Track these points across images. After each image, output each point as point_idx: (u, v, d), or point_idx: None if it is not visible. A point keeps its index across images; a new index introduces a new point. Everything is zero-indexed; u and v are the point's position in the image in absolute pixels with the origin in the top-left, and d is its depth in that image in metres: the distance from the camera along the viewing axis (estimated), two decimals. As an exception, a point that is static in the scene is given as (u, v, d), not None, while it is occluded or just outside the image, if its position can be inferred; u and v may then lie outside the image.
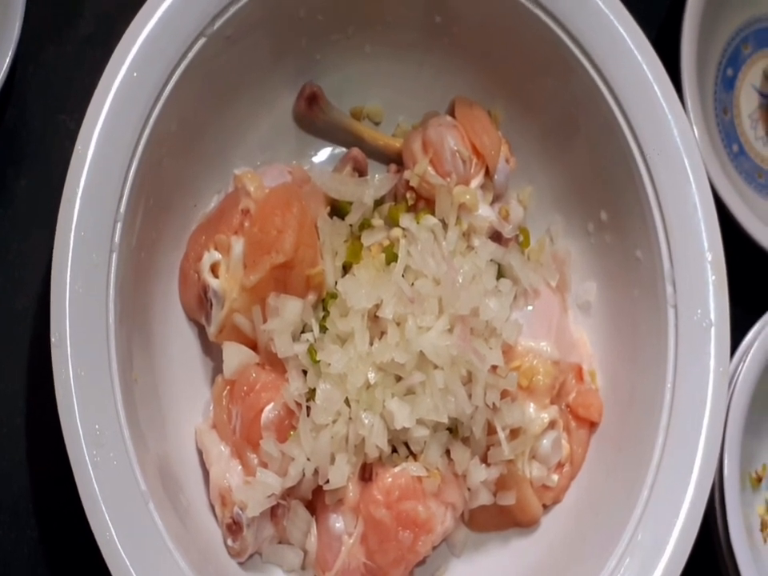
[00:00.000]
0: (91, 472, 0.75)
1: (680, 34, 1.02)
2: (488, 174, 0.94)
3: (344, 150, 0.99)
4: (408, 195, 0.93)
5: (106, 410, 0.77)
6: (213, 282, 0.87)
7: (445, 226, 0.91)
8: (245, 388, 0.86)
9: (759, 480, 1.10)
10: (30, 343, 0.95)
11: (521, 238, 0.98)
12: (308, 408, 0.84)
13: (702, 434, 0.84)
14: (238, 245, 0.87)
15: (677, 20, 1.03)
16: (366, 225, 0.92)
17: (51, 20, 0.98)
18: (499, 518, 0.93)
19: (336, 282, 0.88)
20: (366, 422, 0.83)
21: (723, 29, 1.14)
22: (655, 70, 0.88)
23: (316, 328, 0.86)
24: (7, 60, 0.90)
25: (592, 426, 0.95)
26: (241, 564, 0.88)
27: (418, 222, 0.90)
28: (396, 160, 0.97)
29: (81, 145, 0.78)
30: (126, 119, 0.79)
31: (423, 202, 0.93)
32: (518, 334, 0.90)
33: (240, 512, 0.85)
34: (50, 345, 0.76)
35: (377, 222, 0.92)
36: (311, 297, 0.88)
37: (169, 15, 0.80)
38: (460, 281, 0.87)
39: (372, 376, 0.84)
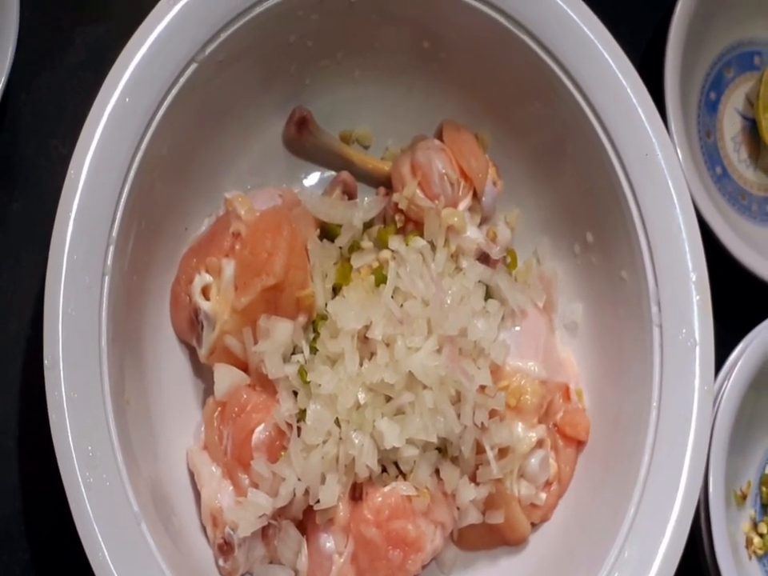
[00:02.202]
0: (84, 493, 0.75)
1: (664, 59, 1.03)
2: (476, 196, 0.94)
3: (333, 173, 0.99)
4: (397, 218, 0.94)
5: (98, 432, 0.77)
6: (204, 305, 0.88)
7: (433, 247, 0.92)
8: (236, 409, 0.86)
9: (744, 497, 1.10)
10: (23, 366, 0.95)
11: (508, 260, 0.98)
12: (299, 428, 0.84)
13: (688, 452, 0.85)
14: (229, 267, 0.87)
15: (661, 45, 1.04)
16: (355, 247, 0.93)
17: (43, 47, 0.99)
18: (488, 537, 0.93)
19: (326, 304, 0.88)
20: (356, 441, 0.83)
21: (706, 53, 1.15)
22: (639, 94, 0.89)
23: (306, 349, 0.87)
24: (0, 86, 0.90)
25: (579, 444, 0.95)
26: (232, 584, 0.88)
27: (406, 244, 0.91)
28: (385, 183, 0.98)
29: (73, 169, 0.78)
30: (119, 144, 0.80)
31: (412, 224, 0.94)
32: (505, 354, 0.90)
33: (231, 532, 0.85)
34: (42, 368, 0.76)
35: (366, 244, 0.93)
36: (301, 318, 0.88)
37: (161, 41, 0.81)
38: (448, 302, 0.88)
39: (362, 396, 0.84)
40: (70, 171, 0.79)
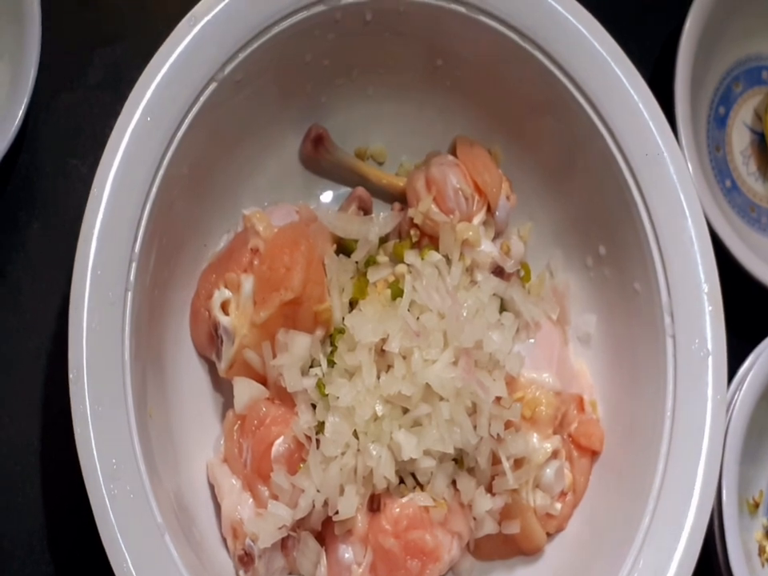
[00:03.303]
0: (108, 505, 0.76)
1: (674, 74, 1.04)
2: (489, 210, 0.95)
3: (349, 189, 0.99)
4: (412, 232, 0.95)
5: (122, 444, 0.77)
6: (223, 319, 0.88)
7: (448, 261, 0.92)
8: (255, 422, 0.87)
9: (756, 506, 1.11)
10: (45, 382, 0.95)
11: (522, 273, 0.99)
12: (317, 441, 0.85)
13: (701, 461, 0.85)
14: (247, 282, 0.88)
15: (670, 60, 1.05)
16: (371, 261, 0.94)
17: (62, 69, 1.00)
18: (504, 547, 0.94)
19: (343, 318, 0.89)
20: (374, 453, 0.84)
21: (715, 68, 1.16)
22: (650, 108, 0.89)
23: (324, 362, 0.87)
24: (22, 107, 0.91)
25: (594, 454, 0.96)
26: (252, 595, 0.88)
27: (422, 258, 0.91)
28: (400, 198, 0.99)
29: (96, 187, 0.79)
30: (140, 162, 0.80)
31: (427, 238, 0.95)
32: (520, 365, 0.90)
33: (251, 543, 0.85)
34: (64, 383, 0.77)
35: (382, 258, 0.94)
36: (319, 332, 0.89)
37: (181, 61, 0.81)
38: (464, 314, 0.88)
39: (379, 408, 0.84)
40: (93, 189, 0.79)
